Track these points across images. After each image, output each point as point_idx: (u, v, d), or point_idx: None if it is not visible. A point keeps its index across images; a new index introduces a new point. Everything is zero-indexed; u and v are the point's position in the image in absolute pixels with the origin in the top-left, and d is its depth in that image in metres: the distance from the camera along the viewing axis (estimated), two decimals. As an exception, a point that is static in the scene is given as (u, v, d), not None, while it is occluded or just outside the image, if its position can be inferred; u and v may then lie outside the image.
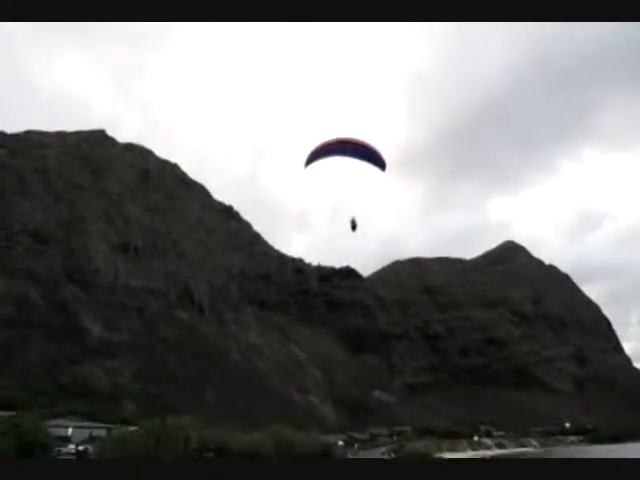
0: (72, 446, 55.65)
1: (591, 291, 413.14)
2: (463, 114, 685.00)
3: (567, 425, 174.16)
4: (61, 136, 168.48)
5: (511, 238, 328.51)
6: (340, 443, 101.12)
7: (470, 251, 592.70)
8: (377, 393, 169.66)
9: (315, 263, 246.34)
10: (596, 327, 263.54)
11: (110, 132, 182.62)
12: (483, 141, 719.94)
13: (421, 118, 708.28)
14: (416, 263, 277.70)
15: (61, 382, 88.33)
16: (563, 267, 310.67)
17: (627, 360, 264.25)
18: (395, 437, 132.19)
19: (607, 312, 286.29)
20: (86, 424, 69.26)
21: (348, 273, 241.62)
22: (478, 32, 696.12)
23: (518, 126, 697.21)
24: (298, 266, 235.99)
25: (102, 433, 68.30)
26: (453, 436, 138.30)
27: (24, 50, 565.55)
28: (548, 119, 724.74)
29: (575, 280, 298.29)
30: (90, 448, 51.80)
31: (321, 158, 35.33)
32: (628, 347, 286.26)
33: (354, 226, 34.97)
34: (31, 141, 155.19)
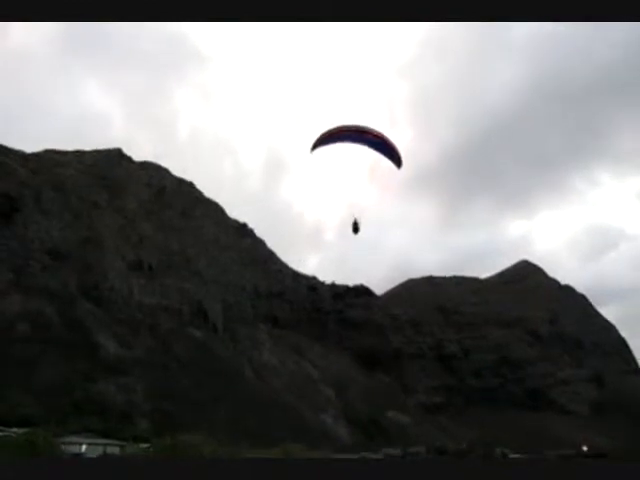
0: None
1: (607, 312, 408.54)
2: (475, 133, 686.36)
3: (584, 448, 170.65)
4: (78, 155, 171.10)
5: (526, 257, 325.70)
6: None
7: (485, 270, 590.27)
8: (391, 413, 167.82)
9: (329, 281, 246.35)
10: (613, 348, 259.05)
11: (126, 151, 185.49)
12: (496, 160, 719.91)
13: (432, 136, 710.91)
14: (430, 281, 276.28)
15: (75, 399, 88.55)
16: (579, 287, 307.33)
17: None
18: (408, 458, 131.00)
19: (624, 333, 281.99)
20: (100, 441, 69.31)
21: (362, 291, 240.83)
22: (489, 50, 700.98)
23: (531, 146, 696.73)
24: (312, 284, 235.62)
25: (116, 450, 68.45)
26: (467, 457, 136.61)
27: (44, 73, 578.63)
28: (562, 139, 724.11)
29: (591, 301, 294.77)
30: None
31: (332, 142, 32.39)
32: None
33: (356, 228, 32.96)
34: (49, 160, 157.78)
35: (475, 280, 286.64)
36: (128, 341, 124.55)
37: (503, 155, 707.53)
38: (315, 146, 32.97)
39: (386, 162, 33.81)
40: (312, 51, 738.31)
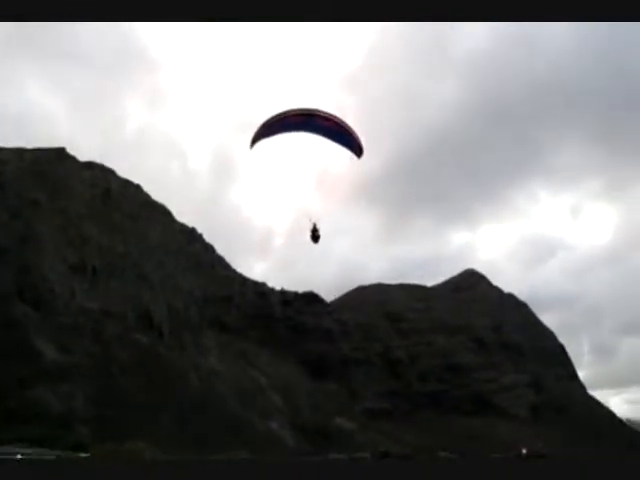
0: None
1: (547, 319, 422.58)
2: (418, 147, 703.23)
3: (524, 451, 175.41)
4: (19, 152, 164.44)
5: (471, 266, 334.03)
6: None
7: (431, 278, 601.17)
8: (338, 419, 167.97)
9: (278, 287, 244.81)
10: (552, 355, 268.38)
11: (70, 150, 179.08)
12: (439, 174, 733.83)
13: (377, 148, 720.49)
14: (379, 289, 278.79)
15: (10, 406, 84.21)
16: (521, 296, 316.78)
17: (582, 387, 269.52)
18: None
19: (562, 340, 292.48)
20: (35, 450, 66.09)
21: (311, 298, 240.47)
22: (431, 66, 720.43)
23: (472, 161, 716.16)
24: (261, 290, 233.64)
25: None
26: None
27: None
28: (501, 155, 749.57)
29: (532, 308, 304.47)
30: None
31: (275, 133, 26.95)
32: (582, 375, 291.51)
33: (316, 235, 28.70)
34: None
35: (422, 288, 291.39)
36: (68, 346, 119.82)
37: (445, 169, 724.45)
38: (255, 140, 27.70)
39: (342, 151, 28.36)
40: (260, 55, 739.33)
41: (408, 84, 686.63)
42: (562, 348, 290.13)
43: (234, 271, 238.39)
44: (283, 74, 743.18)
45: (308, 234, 29.38)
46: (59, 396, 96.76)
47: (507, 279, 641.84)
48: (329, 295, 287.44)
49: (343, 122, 27.84)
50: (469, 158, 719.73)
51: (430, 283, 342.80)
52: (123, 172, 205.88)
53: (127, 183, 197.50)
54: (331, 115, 27.25)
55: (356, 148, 28.42)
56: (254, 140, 28.11)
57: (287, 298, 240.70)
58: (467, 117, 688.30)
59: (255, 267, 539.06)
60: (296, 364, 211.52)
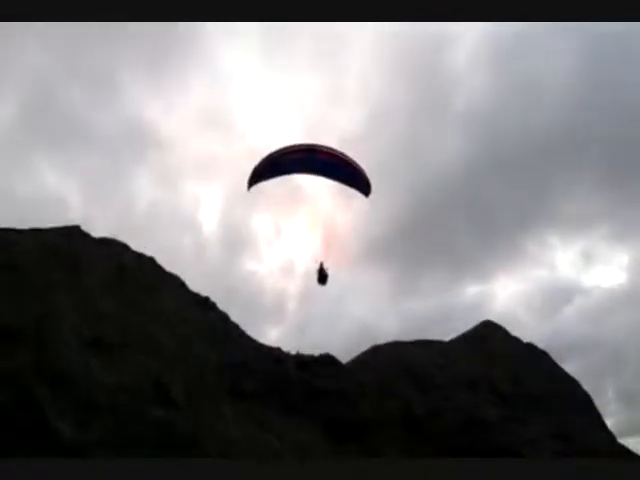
0: None
1: (569, 367, 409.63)
2: (426, 201, 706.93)
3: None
4: (34, 233, 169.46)
5: (489, 317, 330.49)
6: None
7: (448, 333, 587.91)
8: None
9: (293, 351, 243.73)
10: (578, 403, 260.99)
11: (85, 228, 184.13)
12: (448, 227, 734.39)
13: (384, 205, 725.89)
14: (395, 346, 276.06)
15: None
16: (540, 344, 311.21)
17: (611, 435, 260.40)
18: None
19: (586, 387, 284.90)
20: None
21: (327, 360, 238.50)
22: (434, 121, 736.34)
23: (482, 213, 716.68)
24: (276, 354, 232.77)
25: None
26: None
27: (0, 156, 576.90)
28: (510, 205, 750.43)
29: (553, 356, 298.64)
30: None
31: (276, 175, 23.16)
32: (610, 423, 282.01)
33: (323, 275, 24.60)
34: (3, 239, 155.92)
35: (439, 342, 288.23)
36: (85, 422, 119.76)
37: (455, 222, 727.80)
38: (252, 183, 24.46)
39: (348, 190, 24.21)
40: (264, 124, 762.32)
41: (411, 140, 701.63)
42: (587, 396, 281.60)
43: (249, 338, 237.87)
44: (286, 137, 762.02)
45: (315, 276, 25.23)
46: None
47: (525, 328, 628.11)
48: (345, 356, 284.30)
49: (346, 156, 24.49)
50: (478, 209, 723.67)
51: (447, 337, 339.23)
52: (137, 246, 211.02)
53: (141, 257, 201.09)
54: (332, 149, 24.18)
55: (363, 185, 24.65)
56: (250, 183, 25.25)
57: (303, 361, 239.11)
58: (474, 168, 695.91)
59: (270, 332, 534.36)
60: (314, 428, 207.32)
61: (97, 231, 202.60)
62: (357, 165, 25.27)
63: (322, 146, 25.15)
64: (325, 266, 27.15)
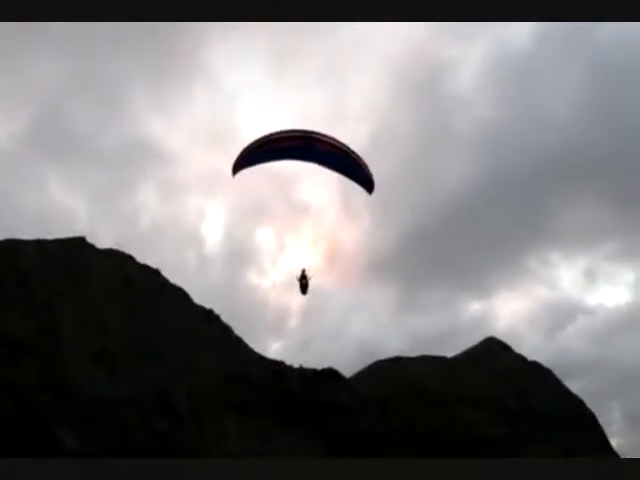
0: None
1: (573, 386, 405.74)
2: (429, 218, 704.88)
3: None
4: (40, 244, 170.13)
5: (492, 334, 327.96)
6: None
7: (451, 349, 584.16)
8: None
9: (296, 365, 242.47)
10: (582, 423, 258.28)
11: (90, 239, 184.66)
12: (451, 244, 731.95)
13: (388, 221, 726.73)
14: (398, 362, 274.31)
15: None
16: (545, 362, 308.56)
17: (615, 455, 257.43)
18: None
19: (591, 406, 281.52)
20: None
21: (330, 374, 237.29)
22: (438, 141, 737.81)
23: (485, 230, 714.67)
24: (279, 369, 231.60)
25: None
26: None
27: (9, 171, 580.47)
28: (513, 223, 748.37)
29: (558, 375, 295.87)
30: None
31: (265, 161, 19.00)
32: (615, 443, 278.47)
33: (304, 284, 22.04)
34: (10, 249, 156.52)
35: (442, 359, 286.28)
36: (89, 434, 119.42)
37: (458, 239, 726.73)
38: (237, 167, 19.10)
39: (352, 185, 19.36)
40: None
41: (416, 159, 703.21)
42: (592, 415, 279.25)
43: (252, 351, 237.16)
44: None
45: (297, 285, 21.65)
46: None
47: (528, 346, 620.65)
48: (347, 370, 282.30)
49: (348, 148, 20.22)
50: (481, 226, 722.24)
51: (450, 354, 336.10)
52: (142, 258, 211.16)
53: (145, 268, 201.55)
54: (333, 139, 19.75)
55: (366, 181, 21.18)
56: (236, 167, 20.53)
57: (305, 375, 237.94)
58: (478, 186, 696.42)
59: (273, 346, 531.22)
60: (315, 442, 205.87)
61: (102, 243, 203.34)
62: (361, 159, 21.13)
63: (321, 133, 20.59)
64: (309, 274, 22.24)
